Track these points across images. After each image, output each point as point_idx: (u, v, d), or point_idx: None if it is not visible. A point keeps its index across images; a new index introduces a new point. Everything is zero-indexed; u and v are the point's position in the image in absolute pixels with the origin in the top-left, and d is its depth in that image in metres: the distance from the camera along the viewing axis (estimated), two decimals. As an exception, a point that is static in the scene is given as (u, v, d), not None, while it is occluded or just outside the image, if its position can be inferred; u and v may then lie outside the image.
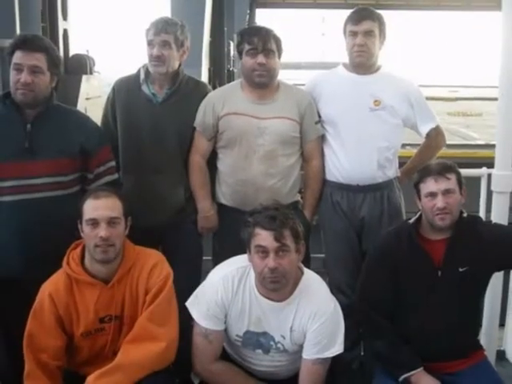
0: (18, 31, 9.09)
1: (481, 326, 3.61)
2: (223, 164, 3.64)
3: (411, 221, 3.10)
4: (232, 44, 12.46)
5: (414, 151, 3.96)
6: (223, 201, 3.68)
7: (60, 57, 3.44)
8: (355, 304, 3.25)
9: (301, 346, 2.93)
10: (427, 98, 3.83)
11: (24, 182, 3.08)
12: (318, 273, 3.06)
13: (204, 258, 3.81)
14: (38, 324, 2.89)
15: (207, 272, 3.11)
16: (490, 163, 3.99)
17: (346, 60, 3.70)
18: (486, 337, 3.92)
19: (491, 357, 3.77)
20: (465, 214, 3.06)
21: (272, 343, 2.95)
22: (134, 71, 3.68)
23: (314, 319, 2.87)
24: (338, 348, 2.89)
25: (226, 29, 12.94)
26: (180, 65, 3.61)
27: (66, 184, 3.18)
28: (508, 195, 3.89)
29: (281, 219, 2.77)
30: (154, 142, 3.58)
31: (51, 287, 2.93)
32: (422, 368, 2.96)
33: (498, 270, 3.33)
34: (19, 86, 3.04)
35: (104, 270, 2.93)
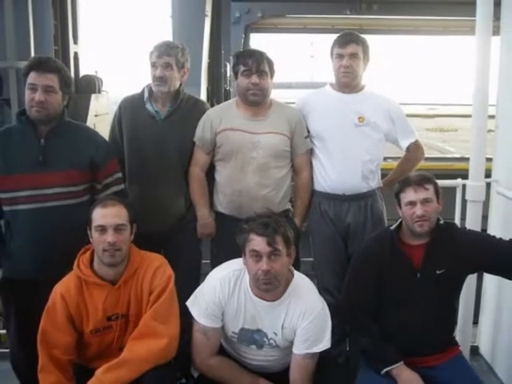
0: (32, 54, 9.11)
1: (456, 323, 3.61)
2: (220, 175, 3.65)
3: (392, 227, 3.11)
4: (228, 65, 12.50)
5: (395, 164, 3.96)
6: (220, 209, 3.68)
7: (71, 77, 3.45)
8: (341, 304, 3.25)
9: (291, 342, 2.94)
10: (407, 115, 3.84)
11: (38, 192, 3.09)
12: (307, 275, 3.06)
13: (203, 261, 3.82)
14: (50, 322, 2.90)
15: (206, 274, 3.11)
16: (464, 175, 4.01)
17: (333, 80, 3.73)
18: (461, 333, 3.94)
19: (466, 352, 3.79)
20: (441, 221, 3.07)
21: (265, 339, 2.96)
22: (138, 91, 3.70)
23: (303, 317, 2.88)
24: (325, 344, 2.90)
25: (222, 51, 12.99)
26: (181, 84, 3.63)
27: (77, 194, 3.18)
28: (481, 204, 3.91)
29: (273, 226, 2.79)
30: (156, 156, 3.58)
31: (63, 288, 2.93)
32: (402, 362, 2.96)
33: (472, 273, 3.34)
34: (33, 104, 3.06)
35: (111, 273, 2.94)
